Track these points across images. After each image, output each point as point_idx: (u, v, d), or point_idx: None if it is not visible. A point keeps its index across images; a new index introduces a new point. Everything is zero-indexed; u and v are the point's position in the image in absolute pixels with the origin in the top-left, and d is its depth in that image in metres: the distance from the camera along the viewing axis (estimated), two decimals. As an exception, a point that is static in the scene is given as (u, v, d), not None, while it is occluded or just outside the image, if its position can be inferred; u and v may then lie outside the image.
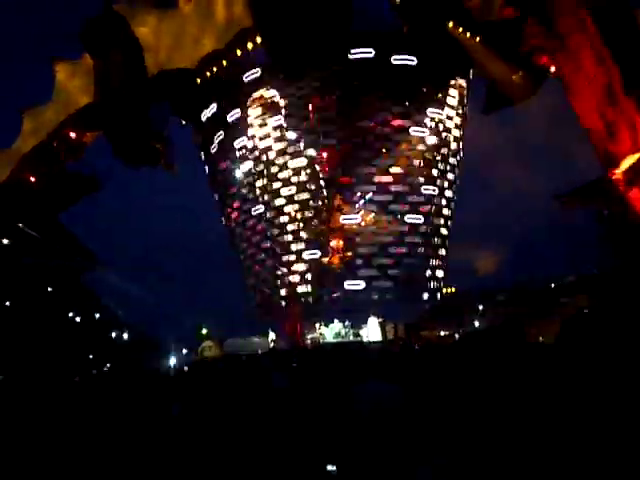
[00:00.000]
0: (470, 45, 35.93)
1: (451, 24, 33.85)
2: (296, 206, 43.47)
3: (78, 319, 48.24)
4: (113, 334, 48.26)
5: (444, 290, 47.83)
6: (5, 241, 44.91)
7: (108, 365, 41.54)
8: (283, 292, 44.92)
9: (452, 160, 43.34)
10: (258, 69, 40.83)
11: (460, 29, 34.03)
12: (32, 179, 42.90)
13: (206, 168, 46.74)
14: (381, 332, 44.88)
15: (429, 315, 50.89)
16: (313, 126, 42.09)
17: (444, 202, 44.10)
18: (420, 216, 42.99)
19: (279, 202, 43.86)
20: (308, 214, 43.31)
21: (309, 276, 44.02)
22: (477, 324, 43.33)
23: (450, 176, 43.82)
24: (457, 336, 39.77)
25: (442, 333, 45.37)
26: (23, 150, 42.35)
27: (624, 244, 28.94)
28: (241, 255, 47.74)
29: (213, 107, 42.78)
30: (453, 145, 42.89)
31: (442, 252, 44.96)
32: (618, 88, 21.62)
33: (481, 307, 48.80)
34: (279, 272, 44.73)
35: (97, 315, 50.78)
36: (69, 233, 49.01)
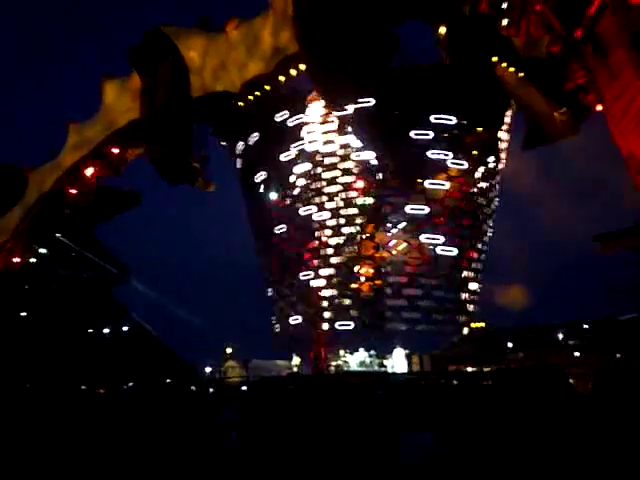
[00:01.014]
0: (513, 81, 35.98)
1: (495, 59, 33.98)
2: (329, 232, 43.51)
3: (106, 331, 48.79)
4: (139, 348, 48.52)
5: (473, 325, 47.09)
6: (42, 250, 45.91)
7: (131, 382, 41.78)
8: (309, 317, 44.73)
9: (490, 194, 43.05)
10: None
11: (504, 64, 34.12)
12: (73, 191, 43.91)
13: (243, 193, 47.28)
14: (407, 364, 44.30)
15: (456, 349, 50.17)
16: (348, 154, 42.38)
17: (479, 236, 43.69)
18: (453, 249, 42.58)
19: (313, 226, 43.98)
20: (340, 240, 43.28)
21: (336, 301, 43.83)
22: (506, 362, 42.56)
23: (486, 210, 43.46)
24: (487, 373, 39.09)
25: (469, 369, 44.60)
26: (67, 163, 43.47)
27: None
28: (270, 277, 47.79)
29: (255, 135, 43.62)
30: (492, 179, 42.66)
31: (473, 286, 44.38)
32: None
33: (510, 345, 47.98)
34: (307, 296, 44.61)
35: (125, 328, 51.28)
36: (104, 247, 49.91)
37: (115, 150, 42.57)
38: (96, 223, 49.99)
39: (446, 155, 40.88)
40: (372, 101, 39.16)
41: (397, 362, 44.53)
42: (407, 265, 42.39)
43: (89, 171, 43.32)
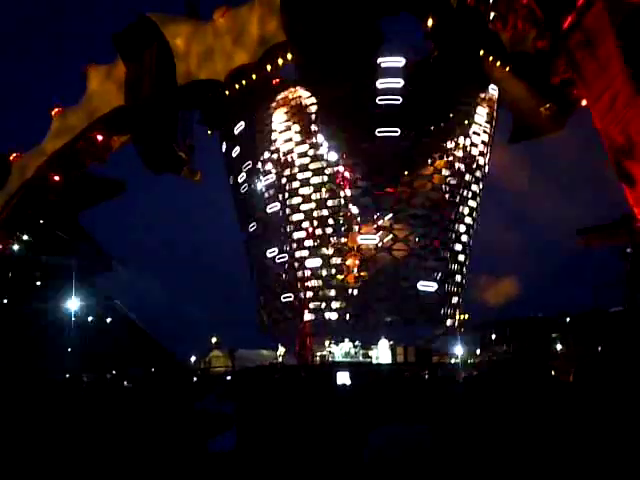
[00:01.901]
0: (499, 74, 36.03)
1: (482, 52, 33.97)
2: (314, 222, 43.36)
3: (90, 319, 48.54)
4: (123, 336, 48.37)
5: (458, 317, 47.35)
6: (25, 237, 45.53)
7: (114, 371, 41.66)
8: (295, 307, 44.72)
9: (474, 187, 43.08)
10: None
11: (491, 58, 34.14)
12: (56, 178, 43.54)
13: (230, 180, 46.88)
14: (391, 355, 44.43)
15: (440, 341, 50.50)
16: (336, 144, 42.05)
17: (464, 229, 43.77)
18: (439, 241, 42.70)
19: (297, 217, 43.79)
20: (326, 231, 43.16)
21: (321, 292, 43.83)
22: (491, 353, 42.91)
23: (472, 203, 43.50)
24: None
25: (453, 361, 44.91)
26: (50, 149, 43.06)
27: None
28: (255, 267, 47.63)
29: (240, 121, 42.81)
30: (477, 172, 42.70)
31: (458, 279, 44.54)
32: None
33: (494, 336, 48.38)
34: (292, 287, 44.57)
35: (109, 318, 51.08)
36: (88, 234, 49.57)
37: (99, 137, 42.21)
38: (80, 210, 49.61)
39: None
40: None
41: (382, 353, 44.67)
42: (392, 257, 42.41)
43: (72, 158, 42.92)
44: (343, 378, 37.86)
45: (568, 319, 46.23)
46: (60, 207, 45.52)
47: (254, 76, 36.69)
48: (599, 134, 25.70)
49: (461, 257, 44.35)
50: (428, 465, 2.48)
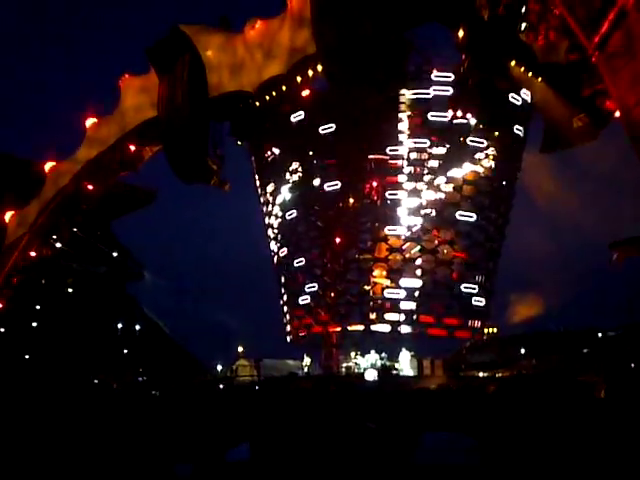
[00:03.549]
0: (531, 85, 35.75)
1: (513, 63, 33.73)
2: (342, 233, 43.47)
3: (120, 326, 49.28)
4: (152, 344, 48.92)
5: (485, 330, 46.77)
6: (59, 245, 46.43)
7: (143, 377, 42.09)
8: (322, 318, 44.70)
9: (505, 198, 42.73)
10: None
11: (522, 68, 33.86)
12: (90, 187, 44.40)
13: (260, 196, 47.42)
14: (418, 367, 44.04)
15: (467, 354, 49.86)
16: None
17: (494, 241, 43.38)
18: (467, 254, 42.35)
19: (322, 227, 43.94)
20: (353, 241, 43.22)
21: (348, 303, 43.78)
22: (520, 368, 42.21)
23: (502, 214, 43.16)
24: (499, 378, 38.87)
25: (481, 374, 44.32)
26: (83, 159, 43.97)
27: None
28: (284, 278, 47.82)
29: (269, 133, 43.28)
30: (507, 182, 42.37)
31: (487, 291, 44.06)
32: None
33: (523, 351, 47.60)
34: (319, 298, 44.59)
35: (137, 326, 51.71)
36: (119, 242, 50.42)
37: (132, 147, 42.97)
38: (112, 219, 50.54)
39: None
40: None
41: (404, 364, 44.42)
42: (420, 268, 42.18)
43: (105, 168, 43.75)
44: (371, 375, 38.51)
45: (600, 334, 45.39)
46: (93, 215, 46.39)
47: (284, 88, 36.98)
48: (632, 145, 25.26)
49: (489, 269, 43.95)
50: (476, 470, 2.46)
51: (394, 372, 43.76)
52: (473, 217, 41.72)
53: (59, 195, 44.61)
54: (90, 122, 44.07)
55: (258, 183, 47.46)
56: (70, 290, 48.21)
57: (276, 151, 44.27)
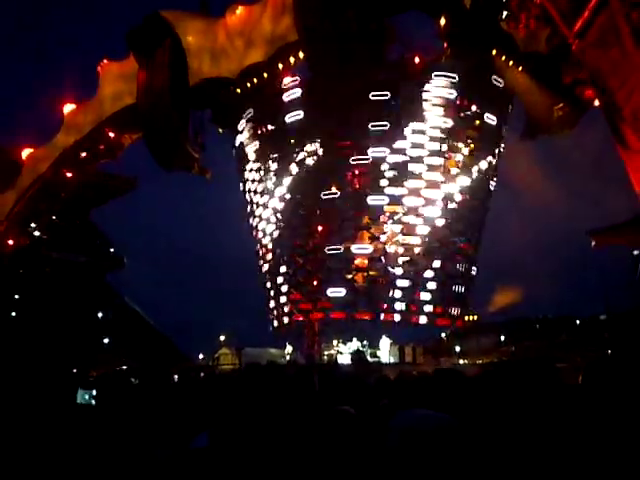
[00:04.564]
0: (512, 74, 35.91)
1: (494, 51, 33.88)
2: (323, 222, 43.36)
3: (100, 315, 48.90)
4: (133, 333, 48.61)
5: (466, 317, 47.23)
6: (37, 233, 45.86)
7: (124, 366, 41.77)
8: (304, 306, 44.73)
9: (484, 185, 42.92)
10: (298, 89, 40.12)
11: (503, 57, 34.03)
12: (69, 175, 43.83)
13: (241, 185, 47.05)
14: (399, 354, 44.36)
15: (448, 341, 50.43)
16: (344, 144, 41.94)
17: (473, 229, 43.63)
18: (448, 242, 42.54)
19: (307, 216, 43.79)
20: (336, 230, 43.10)
21: (330, 293, 43.79)
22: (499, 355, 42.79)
23: (482, 201, 43.41)
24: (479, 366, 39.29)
25: (461, 362, 44.87)
26: (62, 145, 43.34)
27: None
28: (263, 265, 47.68)
29: (249, 115, 42.52)
30: (488, 169, 42.56)
31: (467, 279, 44.39)
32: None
33: (503, 338, 48.28)
34: (299, 286, 44.58)
35: (118, 316, 51.33)
36: (99, 231, 49.93)
37: (111, 134, 42.44)
38: (92, 207, 49.92)
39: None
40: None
41: (384, 352, 44.73)
42: (402, 257, 42.31)
43: (85, 154, 43.19)
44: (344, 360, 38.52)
45: (578, 321, 46.18)
46: (72, 204, 45.84)
47: (265, 75, 36.74)
48: (611, 133, 25.56)
49: (469, 257, 44.24)
50: (456, 451, 2.35)
51: (371, 359, 44.03)
52: (454, 204, 41.93)
53: (37, 182, 43.97)
54: (68, 108, 43.44)
55: (239, 171, 47.17)
56: (49, 279, 47.64)
57: (256, 140, 43.90)
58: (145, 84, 37.64)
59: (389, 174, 41.30)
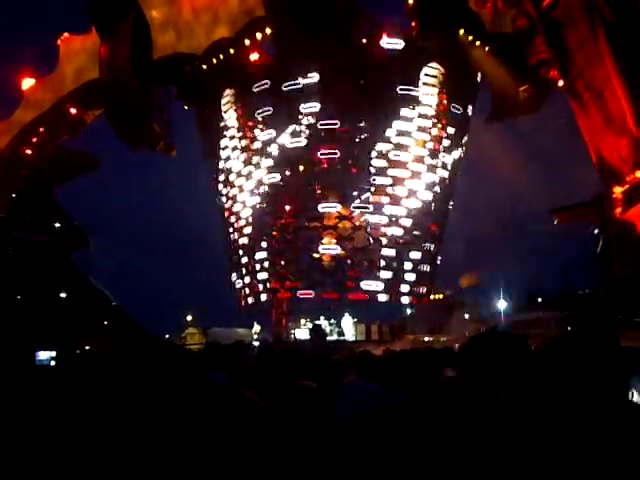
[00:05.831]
0: (478, 55, 36.10)
1: (462, 31, 33.96)
2: (291, 199, 43.29)
3: (63, 295, 47.90)
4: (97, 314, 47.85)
5: (432, 296, 47.91)
6: (-4, 212, 44.58)
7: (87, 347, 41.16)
8: (270, 286, 44.75)
9: (450, 167, 43.33)
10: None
11: (470, 37, 34.14)
12: (28, 152, 42.63)
13: (206, 155, 46.45)
14: (365, 333, 44.84)
15: (413, 319, 51.04)
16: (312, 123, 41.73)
17: (440, 208, 44.10)
18: (413, 220, 42.89)
19: (273, 194, 43.63)
20: (302, 209, 43.06)
21: (298, 272, 43.87)
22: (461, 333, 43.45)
23: (447, 182, 43.83)
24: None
25: (426, 339, 45.46)
26: (21, 122, 42.09)
27: (611, 265, 29.01)
28: (231, 245, 47.46)
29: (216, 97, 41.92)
30: (454, 152, 42.93)
31: (432, 258, 44.96)
32: (626, 105, 21.79)
33: (467, 316, 49.07)
34: (268, 265, 44.55)
35: (83, 296, 50.38)
36: (63, 210, 48.70)
37: (72, 110, 41.31)
38: (54, 185, 48.66)
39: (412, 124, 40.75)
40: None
41: (346, 330, 45.18)
42: (368, 236, 42.60)
43: (45, 131, 42.01)
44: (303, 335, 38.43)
45: (540, 299, 47.20)
46: (33, 181, 44.65)
47: (232, 50, 36.18)
48: (575, 115, 26.00)
49: (435, 237, 44.77)
50: (402, 422, 2.42)
51: (338, 337, 44.44)
52: (420, 184, 42.27)
53: (-4, 159, 42.72)
54: (28, 83, 42.11)
55: (209, 149, 46.61)
56: (10, 259, 46.48)
57: (222, 115, 43.28)
58: (108, 59, 36.67)
59: (358, 154, 41.44)
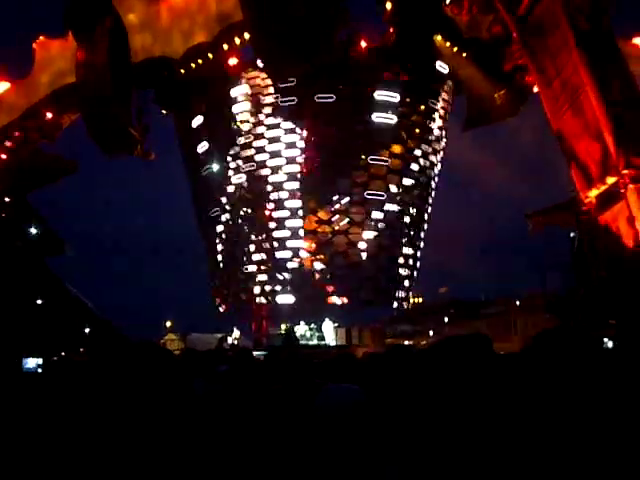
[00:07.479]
0: (455, 60, 36.45)
1: (439, 37, 34.26)
2: (271, 205, 43.28)
3: (39, 302, 47.18)
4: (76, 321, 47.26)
5: (411, 300, 48.21)
6: (-30, 218, 43.79)
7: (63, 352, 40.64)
8: (250, 290, 44.67)
9: (429, 172, 43.69)
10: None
11: (448, 44, 34.46)
12: (3, 156, 41.93)
13: (186, 161, 46.19)
14: (346, 337, 44.96)
15: (393, 323, 51.35)
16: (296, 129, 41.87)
17: (418, 213, 44.45)
18: (393, 225, 43.18)
19: (254, 200, 43.60)
20: (283, 215, 43.06)
21: (278, 276, 43.84)
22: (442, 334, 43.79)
23: (426, 187, 44.20)
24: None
25: (406, 342, 45.70)
26: (-4, 125, 41.39)
27: (584, 268, 29.31)
28: (210, 251, 47.29)
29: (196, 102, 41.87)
30: (432, 157, 43.29)
31: (411, 262, 45.24)
32: (599, 111, 22.18)
33: (446, 319, 49.51)
34: (247, 271, 44.46)
35: (59, 303, 49.71)
36: (38, 215, 47.95)
37: (49, 114, 40.74)
38: (29, 190, 47.93)
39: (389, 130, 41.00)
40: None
41: (327, 334, 45.24)
42: (348, 240, 42.75)
43: (20, 135, 41.37)
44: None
45: (518, 302, 47.80)
46: (8, 186, 43.91)
47: (210, 55, 36.11)
48: (549, 120, 26.40)
49: (414, 241, 45.05)
50: (365, 421, 2.47)
51: (318, 342, 44.48)
52: (399, 189, 42.56)
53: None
54: (2, 87, 41.44)
55: (183, 154, 46.38)
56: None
57: (200, 120, 43.14)
58: (85, 63, 36.17)
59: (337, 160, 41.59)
